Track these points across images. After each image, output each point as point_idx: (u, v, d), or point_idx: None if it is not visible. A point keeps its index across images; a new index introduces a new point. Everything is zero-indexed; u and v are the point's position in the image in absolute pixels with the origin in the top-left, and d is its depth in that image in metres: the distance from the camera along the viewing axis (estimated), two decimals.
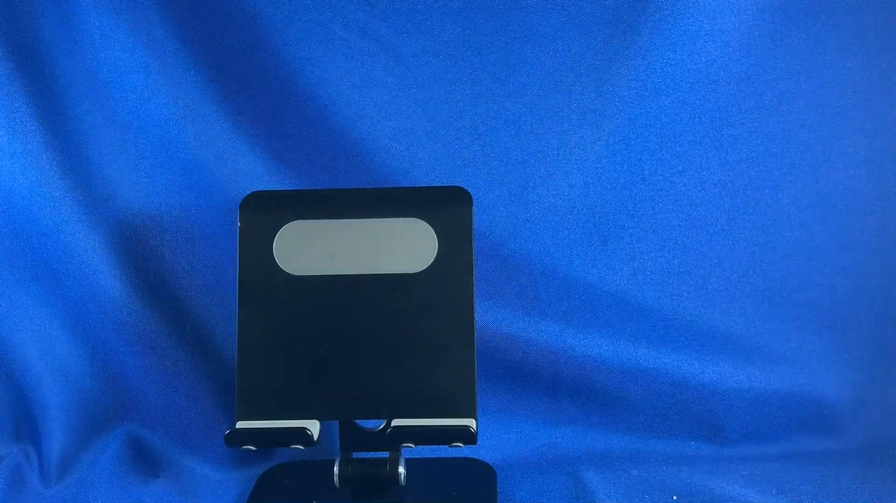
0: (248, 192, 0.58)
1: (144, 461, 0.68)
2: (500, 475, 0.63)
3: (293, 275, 0.57)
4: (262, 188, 0.65)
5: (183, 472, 0.67)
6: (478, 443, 0.56)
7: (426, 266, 0.56)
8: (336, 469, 0.57)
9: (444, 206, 0.56)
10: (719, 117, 0.67)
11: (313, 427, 0.54)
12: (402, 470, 0.57)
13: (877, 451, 0.67)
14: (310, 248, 0.57)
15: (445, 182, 0.66)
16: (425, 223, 0.56)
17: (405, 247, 0.56)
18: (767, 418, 0.68)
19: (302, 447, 0.56)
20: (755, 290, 0.69)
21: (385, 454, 0.57)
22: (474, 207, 0.57)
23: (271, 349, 0.56)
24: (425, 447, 0.61)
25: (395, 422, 0.54)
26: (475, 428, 0.54)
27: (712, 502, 0.59)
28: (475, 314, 0.56)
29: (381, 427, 0.57)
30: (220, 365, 0.67)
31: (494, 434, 0.68)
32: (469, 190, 0.56)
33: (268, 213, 0.57)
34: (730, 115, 0.67)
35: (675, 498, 0.59)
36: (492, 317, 0.66)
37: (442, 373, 0.55)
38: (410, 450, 0.58)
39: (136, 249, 0.66)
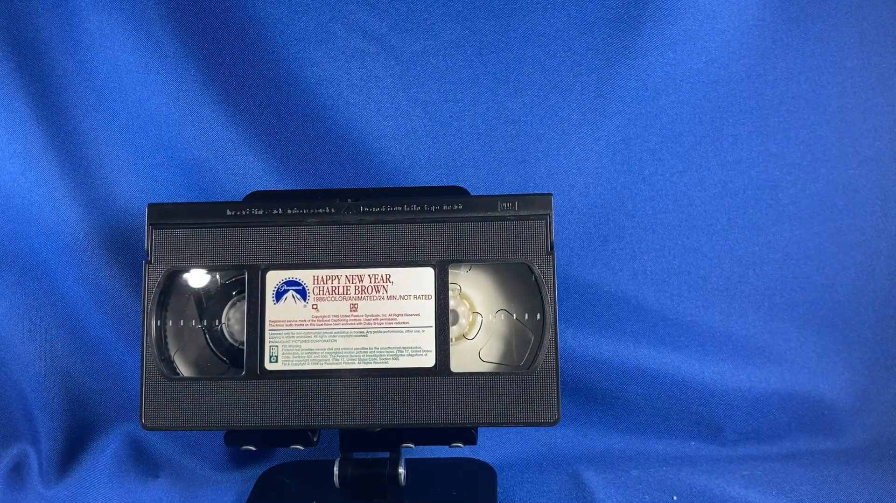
0: (248, 192, 0.58)
1: (144, 461, 0.68)
2: (500, 475, 0.63)
3: None
4: (262, 188, 0.65)
5: (183, 472, 0.67)
6: (478, 443, 0.56)
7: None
8: (336, 469, 0.57)
9: None
10: (719, 117, 0.67)
11: None
12: (402, 470, 0.57)
13: (877, 451, 0.67)
14: None
15: (445, 182, 0.66)
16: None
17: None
18: (767, 418, 0.68)
19: (302, 447, 0.56)
20: (755, 290, 0.69)
21: (385, 454, 0.57)
22: None
23: None
24: (425, 447, 0.62)
25: None
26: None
27: (712, 502, 0.59)
28: None
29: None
30: None
31: (494, 434, 0.68)
32: (469, 189, 0.56)
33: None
34: (730, 115, 0.67)
35: (675, 498, 0.59)
36: None
37: None
38: (410, 450, 0.58)
39: (136, 249, 0.66)
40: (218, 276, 0.57)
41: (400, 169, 0.67)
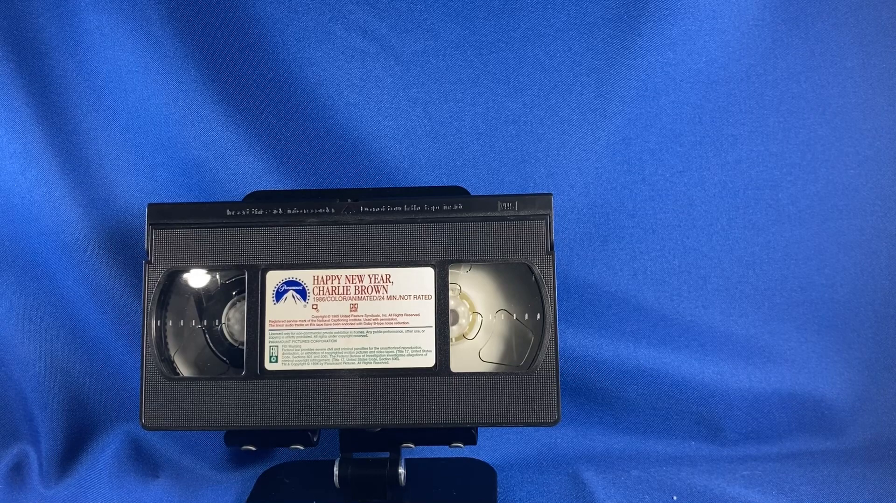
0: (248, 192, 0.58)
1: (144, 461, 0.68)
2: (500, 475, 0.63)
3: None
4: (262, 188, 0.65)
5: (183, 472, 0.67)
6: (478, 443, 0.56)
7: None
8: (336, 469, 0.57)
9: None
10: (719, 117, 0.67)
11: None
12: (402, 470, 0.57)
13: (877, 451, 0.67)
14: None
15: (445, 182, 0.66)
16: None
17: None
18: (767, 418, 0.68)
19: (302, 447, 0.56)
20: (755, 290, 0.69)
21: (385, 454, 0.57)
22: None
23: None
24: (425, 447, 0.62)
25: None
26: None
27: (712, 502, 0.59)
28: None
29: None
30: None
31: (494, 434, 0.68)
32: (469, 190, 0.56)
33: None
34: (730, 115, 0.68)
35: (675, 498, 0.59)
36: None
37: None
38: (410, 450, 0.58)
39: (136, 249, 0.66)
40: (218, 276, 0.57)
41: (400, 169, 0.67)
